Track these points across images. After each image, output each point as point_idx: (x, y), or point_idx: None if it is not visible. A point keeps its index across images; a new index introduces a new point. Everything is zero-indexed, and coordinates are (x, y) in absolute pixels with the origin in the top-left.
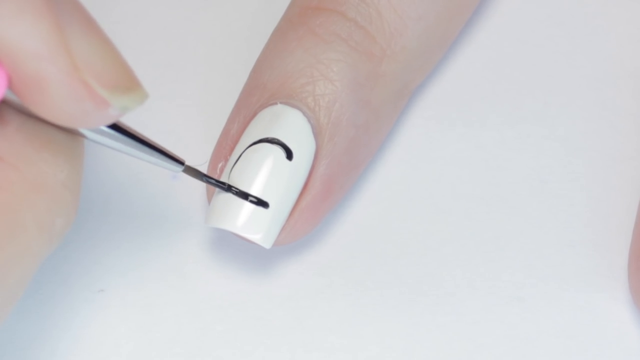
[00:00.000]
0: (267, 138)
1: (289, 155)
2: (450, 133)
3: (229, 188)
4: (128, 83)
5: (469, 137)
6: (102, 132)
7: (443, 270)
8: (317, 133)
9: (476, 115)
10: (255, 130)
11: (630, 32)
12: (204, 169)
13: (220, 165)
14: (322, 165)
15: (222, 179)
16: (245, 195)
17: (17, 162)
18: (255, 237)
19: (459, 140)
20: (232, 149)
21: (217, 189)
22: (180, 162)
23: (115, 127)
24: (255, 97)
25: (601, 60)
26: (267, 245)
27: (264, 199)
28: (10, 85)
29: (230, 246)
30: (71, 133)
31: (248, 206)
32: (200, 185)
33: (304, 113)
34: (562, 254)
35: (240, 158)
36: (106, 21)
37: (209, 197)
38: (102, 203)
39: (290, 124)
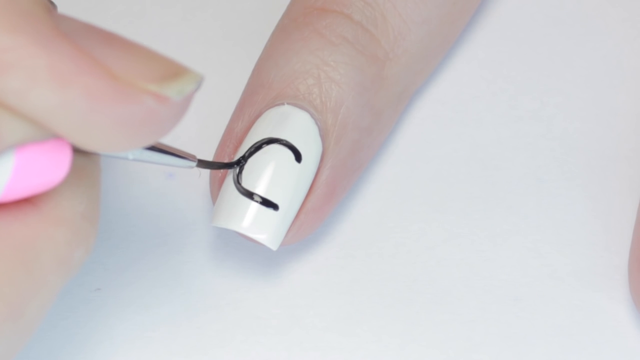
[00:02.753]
0: (276, 139)
1: (298, 157)
2: (446, 132)
3: (241, 161)
4: (173, 69)
5: (465, 137)
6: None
7: (440, 269)
8: (323, 135)
9: (473, 114)
10: (262, 130)
11: (627, 32)
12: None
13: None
14: (328, 168)
15: (227, 179)
16: (251, 195)
17: (34, 197)
18: (262, 237)
19: (455, 139)
20: (236, 148)
21: (222, 189)
22: (191, 159)
23: None
24: (260, 95)
25: (598, 60)
26: (274, 246)
27: (273, 200)
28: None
29: (227, 245)
30: (87, 160)
31: (255, 207)
32: (197, 184)
33: (312, 115)
34: (558, 253)
35: (250, 159)
36: (103, 21)
37: (214, 198)
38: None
39: (299, 126)
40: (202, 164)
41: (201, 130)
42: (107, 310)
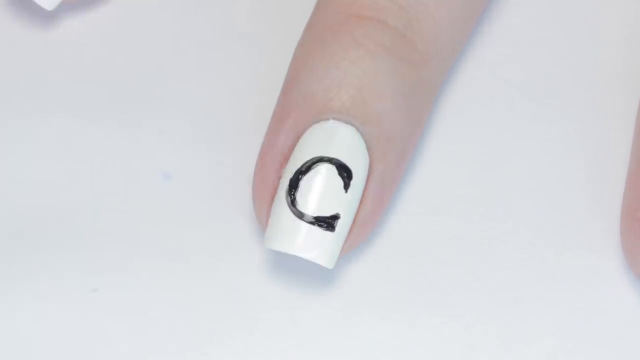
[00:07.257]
0: (327, 158)
1: (349, 174)
2: (445, 134)
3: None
4: None
5: (464, 138)
6: None
7: (438, 271)
8: (369, 148)
9: (471, 116)
10: (311, 149)
11: (627, 34)
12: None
13: (270, 179)
14: (376, 181)
15: (277, 200)
16: (309, 218)
17: None
18: (323, 261)
19: (454, 141)
20: (282, 165)
21: (275, 212)
22: None
23: None
24: (302, 109)
25: (597, 62)
26: (331, 265)
27: (329, 220)
28: None
29: (224, 246)
30: None
31: (314, 230)
32: (194, 186)
33: (357, 128)
34: (558, 255)
35: (302, 180)
36: (102, 24)
37: (262, 221)
38: (95, 203)
39: (347, 143)
40: None
41: (195, 131)
42: (103, 311)
